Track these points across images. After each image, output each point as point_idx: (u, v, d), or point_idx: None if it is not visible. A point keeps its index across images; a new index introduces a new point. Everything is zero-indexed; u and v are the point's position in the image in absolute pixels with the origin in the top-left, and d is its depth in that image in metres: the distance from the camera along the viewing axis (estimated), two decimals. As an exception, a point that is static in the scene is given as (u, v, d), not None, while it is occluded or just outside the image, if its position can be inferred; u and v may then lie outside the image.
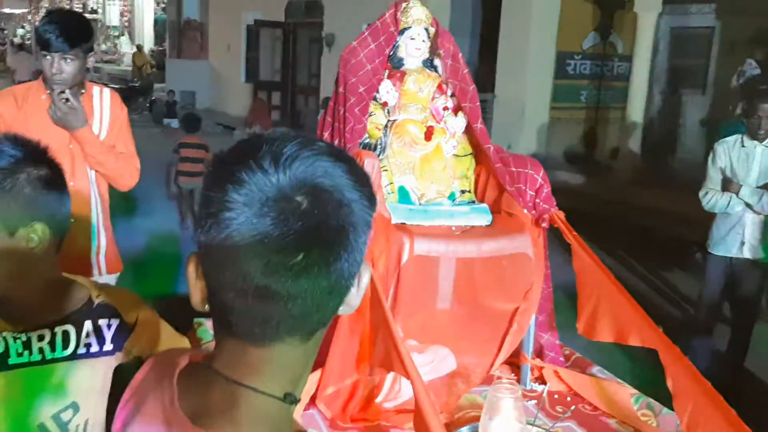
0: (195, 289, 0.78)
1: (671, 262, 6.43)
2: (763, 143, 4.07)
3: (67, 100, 2.60)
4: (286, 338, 0.76)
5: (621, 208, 8.03)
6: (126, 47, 24.65)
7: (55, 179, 1.30)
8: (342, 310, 0.79)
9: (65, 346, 1.37)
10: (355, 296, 0.80)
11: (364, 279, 0.80)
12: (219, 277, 0.73)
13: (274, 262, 0.70)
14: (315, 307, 0.74)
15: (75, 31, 2.58)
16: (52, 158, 1.31)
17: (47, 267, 1.32)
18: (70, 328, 1.38)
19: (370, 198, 0.78)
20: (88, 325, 1.39)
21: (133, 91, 16.94)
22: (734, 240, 4.21)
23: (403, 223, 3.06)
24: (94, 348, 1.39)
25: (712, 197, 4.19)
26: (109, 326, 1.41)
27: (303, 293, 0.72)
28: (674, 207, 7.26)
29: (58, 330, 1.36)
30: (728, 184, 4.16)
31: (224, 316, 0.75)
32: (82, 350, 1.37)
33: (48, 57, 2.58)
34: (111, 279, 2.86)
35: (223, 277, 0.72)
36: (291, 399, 0.78)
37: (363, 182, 0.78)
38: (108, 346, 1.41)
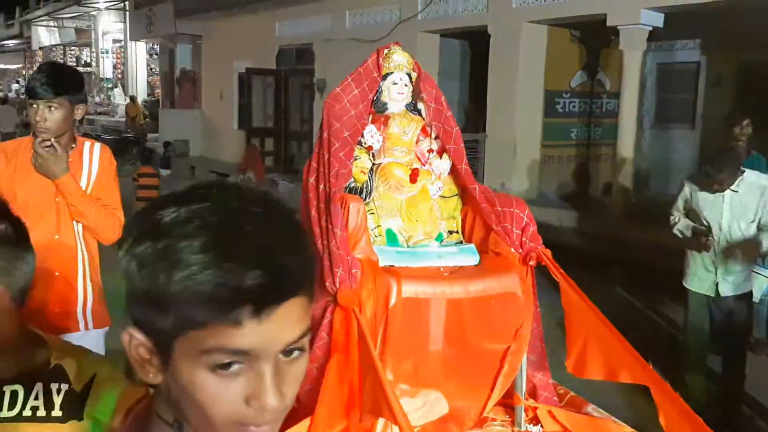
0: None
1: (666, 295, 6.43)
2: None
3: (51, 145, 2.62)
4: None
5: (615, 243, 8.05)
6: (119, 98, 24.95)
7: (14, 235, 1.27)
8: None
9: (11, 406, 1.31)
10: (130, 357, 0.80)
11: (124, 342, 0.79)
12: None
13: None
14: None
15: (60, 79, 2.62)
16: (11, 214, 1.29)
17: (3, 322, 1.27)
18: (19, 389, 1.33)
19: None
20: (38, 387, 1.34)
21: (127, 142, 17.09)
22: (707, 278, 4.02)
23: (391, 266, 3.07)
24: (41, 412, 1.33)
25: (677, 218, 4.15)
26: (59, 391, 1.35)
27: None
28: (669, 241, 7.29)
29: (7, 389, 1.32)
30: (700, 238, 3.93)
31: None
32: (27, 413, 1.32)
33: (34, 105, 2.62)
34: (99, 335, 2.85)
35: None
36: (177, 426, 0.79)
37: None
38: (57, 413, 1.34)
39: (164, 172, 15.50)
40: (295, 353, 0.78)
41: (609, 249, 8.04)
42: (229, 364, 0.74)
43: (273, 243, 0.74)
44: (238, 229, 0.74)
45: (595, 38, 10.64)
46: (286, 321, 0.75)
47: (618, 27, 8.92)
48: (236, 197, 0.78)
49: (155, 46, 23.57)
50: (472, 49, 12.04)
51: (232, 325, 0.72)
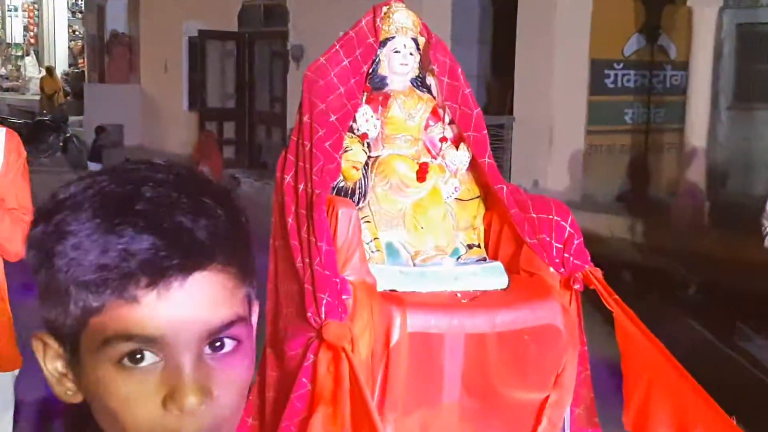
0: None
1: (755, 330, 6.45)
2: None
3: None
4: None
5: (684, 260, 8.08)
6: (32, 70, 24.95)
7: None
8: None
9: None
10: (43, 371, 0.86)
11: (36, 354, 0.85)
12: None
13: None
14: None
15: None
16: None
17: None
18: None
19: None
20: None
21: (42, 127, 17.08)
22: None
23: (393, 291, 3.08)
24: None
25: None
26: None
27: None
28: (757, 257, 7.30)
29: None
30: None
31: None
32: None
33: None
34: (6, 379, 2.85)
35: None
36: None
37: None
38: None
39: (94, 167, 15.48)
40: (227, 346, 0.81)
41: (677, 267, 8.06)
42: (135, 356, 0.78)
43: (173, 205, 0.80)
44: (137, 193, 0.80)
45: (655, -9, 10.69)
46: (199, 300, 0.79)
47: (686, -23, 8.97)
48: (147, 167, 0.84)
49: (79, 2, 23.57)
50: (495, 6, 12.06)
51: (126, 302, 0.77)
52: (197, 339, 0.79)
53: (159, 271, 0.77)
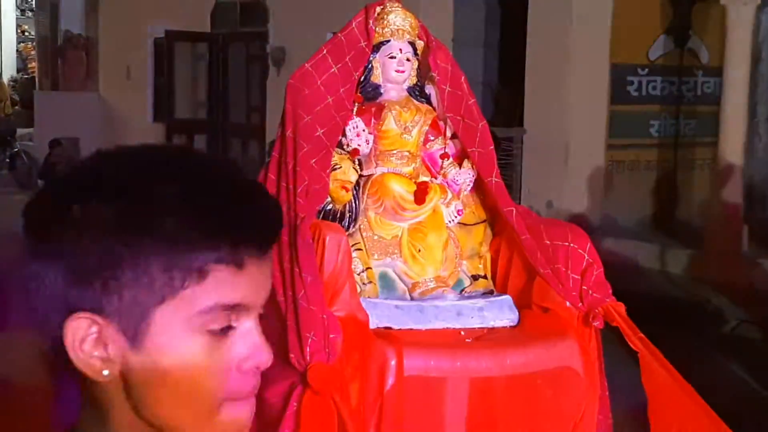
0: None
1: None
2: None
3: None
4: None
5: (720, 290, 8.09)
6: (-25, 76, 24.97)
7: None
8: None
9: None
10: (73, 357, 0.95)
11: (68, 339, 0.94)
12: None
13: None
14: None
15: None
16: None
17: None
18: None
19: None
20: None
21: (-14, 141, 17.13)
22: None
23: (388, 328, 3.09)
24: None
25: None
26: None
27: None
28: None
29: None
30: None
31: None
32: None
33: None
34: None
35: None
36: None
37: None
38: None
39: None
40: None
41: (712, 300, 8.06)
42: (226, 324, 0.95)
43: (252, 185, 1.01)
44: (221, 172, 0.99)
45: (684, -12, 10.76)
46: (269, 270, 1.01)
47: (718, -29, 9.04)
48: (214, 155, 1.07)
49: (30, -1, 23.64)
50: (503, 4, 12.14)
51: (235, 268, 0.94)
52: (261, 306, 1.00)
53: (265, 238, 0.98)
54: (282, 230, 1.11)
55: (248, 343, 0.96)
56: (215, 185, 0.96)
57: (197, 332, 0.93)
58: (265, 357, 0.98)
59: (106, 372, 0.94)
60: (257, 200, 0.98)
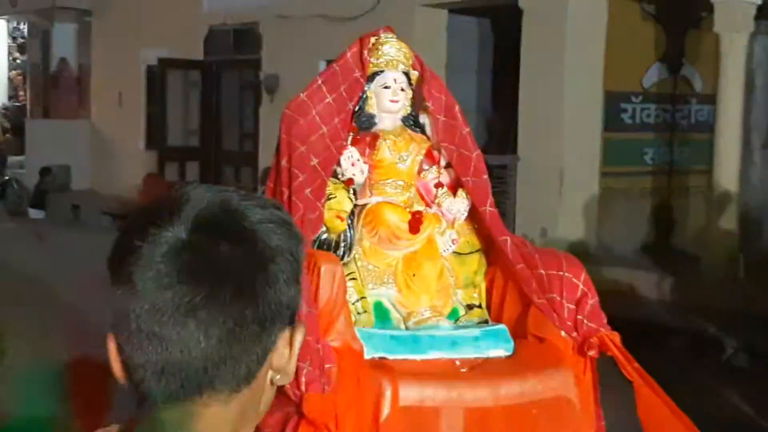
0: (115, 362, 1.07)
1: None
2: None
3: None
4: (200, 397, 1.04)
5: (716, 319, 8.08)
6: (-35, 103, 24.95)
7: None
8: (271, 375, 1.08)
9: None
10: (286, 358, 1.08)
11: (297, 339, 1.08)
12: (124, 337, 1.04)
13: (160, 302, 1.00)
14: (217, 356, 1.02)
15: None
16: None
17: None
18: None
19: (291, 235, 1.08)
20: None
21: (-23, 169, 17.13)
22: None
23: (383, 358, 3.10)
24: None
25: None
26: None
27: (193, 337, 1.01)
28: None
29: None
30: None
31: (135, 379, 1.05)
32: None
33: None
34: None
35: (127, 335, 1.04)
36: None
37: (277, 218, 1.09)
38: None
39: (36, 214, 15.48)
40: None
41: (709, 329, 8.06)
42: None
43: None
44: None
45: (678, 16, 10.83)
46: None
47: (711, -1, 9.10)
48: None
49: (21, 26, 23.69)
50: (496, 32, 12.21)
51: None
52: None
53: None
54: None
55: None
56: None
57: None
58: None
59: (278, 377, 1.08)
60: None
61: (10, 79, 25.55)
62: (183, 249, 1.01)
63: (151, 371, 1.03)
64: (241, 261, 1.03)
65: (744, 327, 7.91)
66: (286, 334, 1.07)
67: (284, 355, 1.07)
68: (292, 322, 1.08)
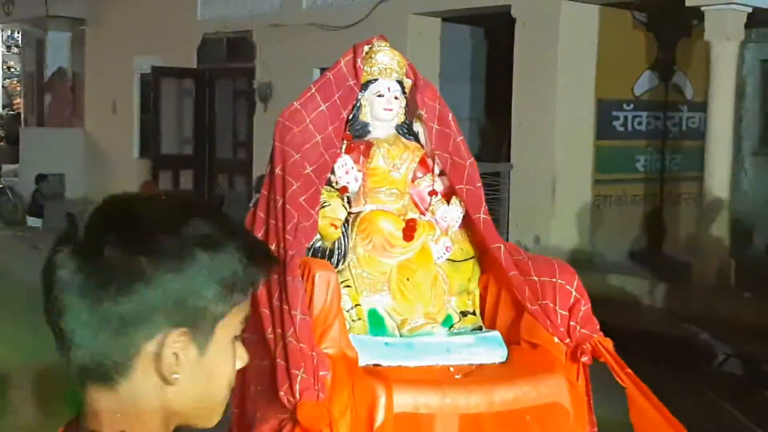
0: None
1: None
2: None
3: None
4: (92, 384, 1.19)
5: (707, 326, 8.10)
6: (-40, 111, 24.94)
7: None
8: (156, 383, 1.18)
9: None
10: (161, 364, 1.16)
11: (166, 349, 1.16)
12: None
13: (51, 299, 1.17)
14: (91, 348, 1.16)
15: None
16: None
17: None
18: None
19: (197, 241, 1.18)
20: None
21: (-29, 177, 17.09)
22: None
23: (377, 365, 3.10)
24: None
25: None
26: None
27: (70, 329, 1.16)
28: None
29: None
30: None
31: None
32: None
33: None
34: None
35: None
36: None
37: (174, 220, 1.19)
38: None
39: (34, 223, 15.46)
40: None
41: (700, 336, 8.08)
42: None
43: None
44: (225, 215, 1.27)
45: (669, 24, 10.87)
46: None
47: (702, 8, 9.14)
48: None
49: (16, 35, 23.69)
50: (490, 40, 12.24)
51: (256, 288, 1.24)
52: None
53: (273, 267, 1.30)
54: None
55: (240, 347, 1.25)
56: (240, 226, 1.26)
57: (234, 340, 1.22)
58: (246, 359, 1.26)
59: (176, 375, 1.17)
60: (263, 249, 1.28)
61: (5, 88, 25.57)
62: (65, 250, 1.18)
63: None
64: (101, 263, 1.17)
65: (735, 333, 7.92)
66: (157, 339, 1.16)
67: (154, 359, 1.17)
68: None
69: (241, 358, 1.25)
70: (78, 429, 1.21)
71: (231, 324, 1.21)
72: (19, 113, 22.25)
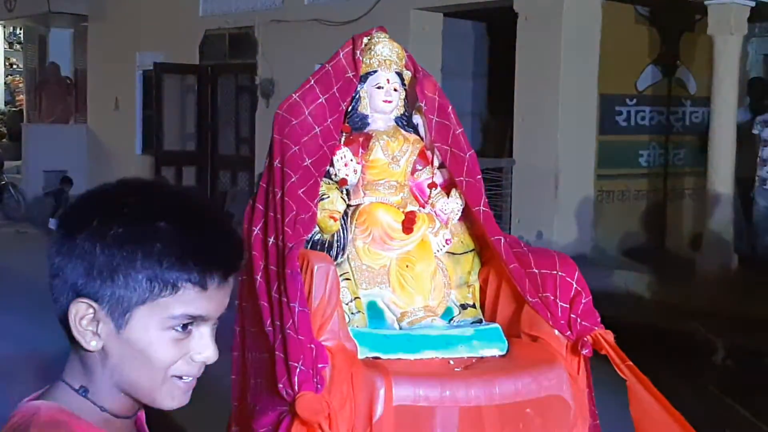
0: None
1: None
2: None
3: None
4: (68, 339, 1.36)
5: (709, 321, 8.09)
6: (-38, 108, 24.96)
7: None
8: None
9: None
10: (74, 329, 1.33)
11: (75, 316, 1.32)
12: None
13: None
14: (56, 308, 1.35)
15: None
16: None
17: None
18: None
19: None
20: None
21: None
22: None
23: (377, 357, 3.10)
24: None
25: None
26: None
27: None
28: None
29: None
30: None
31: None
32: None
33: None
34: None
35: None
36: (83, 391, 1.37)
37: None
38: None
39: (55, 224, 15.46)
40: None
41: (702, 330, 8.07)
42: (186, 326, 1.33)
43: (225, 218, 1.39)
44: (197, 212, 1.37)
45: (672, 18, 10.86)
46: (229, 291, 1.37)
47: (705, 2, 9.12)
48: (171, 189, 1.46)
49: (18, 31, 23.71)
50: (492, 35, 12.23)
51: (200, 289, 1.32)
52: (217, 317, 1.37)
53: (229, 269, 1.36)
54: (243, 261, 1.40)
55: (202, 343, 1.35)
56: (193, 221, 1.34)
57: (166, 329, 1.32)
58: (212, 355, 1.37)
59: (93, 343, 1.32)
60: (224, 235, 1.37)
61: (7, 84, 25.57)
62: None
63: None
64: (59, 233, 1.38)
65: (738, 328, 7.92)
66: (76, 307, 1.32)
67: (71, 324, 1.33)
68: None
69: (202, 354, 1.35)
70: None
71: (158, 312, 1.31)
72: (21, 110, 22.26)
